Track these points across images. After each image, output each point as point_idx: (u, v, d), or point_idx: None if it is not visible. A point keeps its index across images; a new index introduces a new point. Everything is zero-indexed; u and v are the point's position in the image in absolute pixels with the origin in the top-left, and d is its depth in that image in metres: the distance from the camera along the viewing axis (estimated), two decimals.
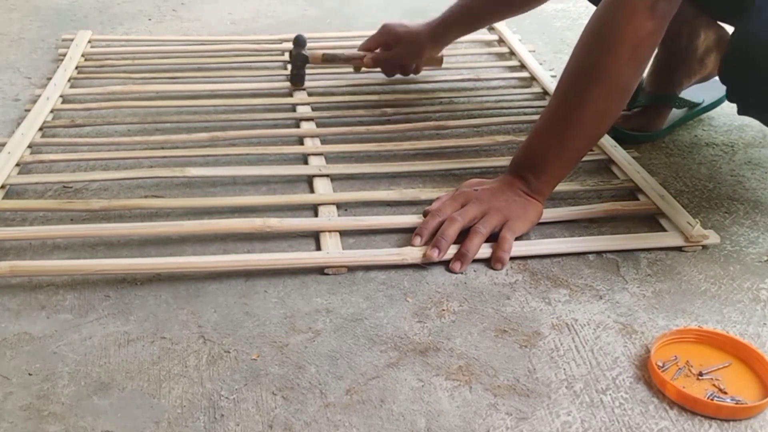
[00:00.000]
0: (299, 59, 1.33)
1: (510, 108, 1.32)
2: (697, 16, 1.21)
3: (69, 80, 1.38)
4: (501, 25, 1.64)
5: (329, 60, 1.33)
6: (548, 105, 0.99)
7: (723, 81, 0.98)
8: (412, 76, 1.38)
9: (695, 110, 1.28)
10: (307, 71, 1.37)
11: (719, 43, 1.23)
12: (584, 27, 0.95)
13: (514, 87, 1.41)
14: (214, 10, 1.85)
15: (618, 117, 0.97)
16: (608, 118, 0.96)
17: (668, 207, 1.00)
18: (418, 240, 0.93)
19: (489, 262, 0.92)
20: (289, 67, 1.36)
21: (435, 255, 0.90)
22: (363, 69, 1.35)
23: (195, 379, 0.75)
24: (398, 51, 1.31)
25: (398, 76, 1.37)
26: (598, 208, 1.02)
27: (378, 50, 1.32)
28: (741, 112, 1.00)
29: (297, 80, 1.35)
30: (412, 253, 0.92)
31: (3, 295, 0.86)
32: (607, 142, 1.17)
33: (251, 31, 1.61)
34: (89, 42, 1.55)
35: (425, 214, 0.98)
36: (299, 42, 1.32)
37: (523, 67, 1.47)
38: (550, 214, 0.99)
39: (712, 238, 0.96)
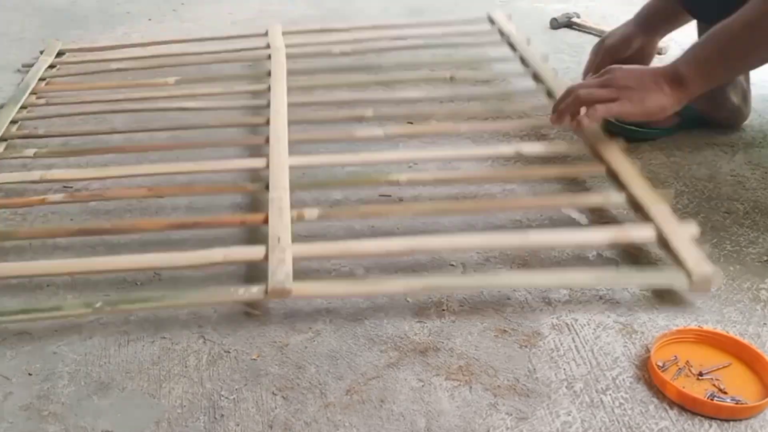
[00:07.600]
0: None
1: (511, 109, 1.32)
2: None
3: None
4: (501, 26, 1.64)
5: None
6: (719, 31, 0.94)
7: None
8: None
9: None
10: None
11: None
12: None
13: (514, 87, 1.41)
14: (214, 10, 1.85)
15: None
16: None
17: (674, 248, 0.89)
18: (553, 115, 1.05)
19: (493, 264, 0.92)
20: None
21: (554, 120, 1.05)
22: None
23: (195, 379, 0.75)
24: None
25: None
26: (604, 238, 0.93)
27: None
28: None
29: None
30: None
31: (3, 295, 0.86)
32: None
33: (251, 31, 1.61)
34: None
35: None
36: None
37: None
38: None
39: (717, 280, 0.86)
